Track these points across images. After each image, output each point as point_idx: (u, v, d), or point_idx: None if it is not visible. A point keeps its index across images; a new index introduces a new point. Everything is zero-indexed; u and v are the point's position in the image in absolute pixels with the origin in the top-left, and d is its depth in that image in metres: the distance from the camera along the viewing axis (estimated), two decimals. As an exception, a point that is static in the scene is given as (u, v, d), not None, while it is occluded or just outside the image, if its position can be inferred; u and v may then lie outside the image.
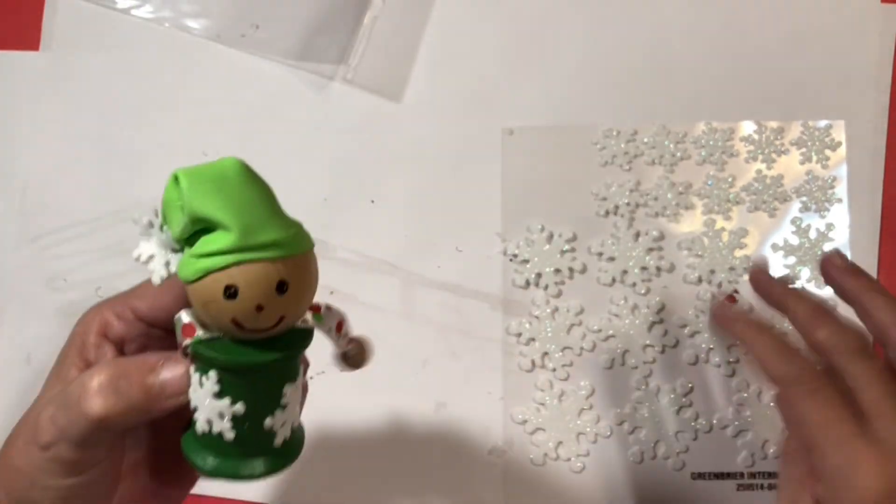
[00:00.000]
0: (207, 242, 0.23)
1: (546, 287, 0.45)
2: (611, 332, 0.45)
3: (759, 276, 0.35)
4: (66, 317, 0.46)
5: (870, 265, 0.45)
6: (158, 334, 0.29)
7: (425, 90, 0.48)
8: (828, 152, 0.46)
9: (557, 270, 0.45)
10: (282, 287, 0.23)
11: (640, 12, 0.48)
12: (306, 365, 0.29)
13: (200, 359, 0.24)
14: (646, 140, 0.46)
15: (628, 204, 0.46)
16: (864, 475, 0.28)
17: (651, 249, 0.45)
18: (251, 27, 0.48)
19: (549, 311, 0.45)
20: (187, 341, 0.24)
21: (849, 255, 0.45)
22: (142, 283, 0.29)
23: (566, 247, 0.46)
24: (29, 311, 0.46)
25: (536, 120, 0.47)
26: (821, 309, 0.33)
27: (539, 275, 0.45)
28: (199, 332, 0.24)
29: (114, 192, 0.47)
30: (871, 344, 0.31)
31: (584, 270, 0.45)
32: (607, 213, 0.46)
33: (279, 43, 0.48)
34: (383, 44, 0.48)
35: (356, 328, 0.29)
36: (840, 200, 0.46)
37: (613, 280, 0.45)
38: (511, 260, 0.46)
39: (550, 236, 0.46)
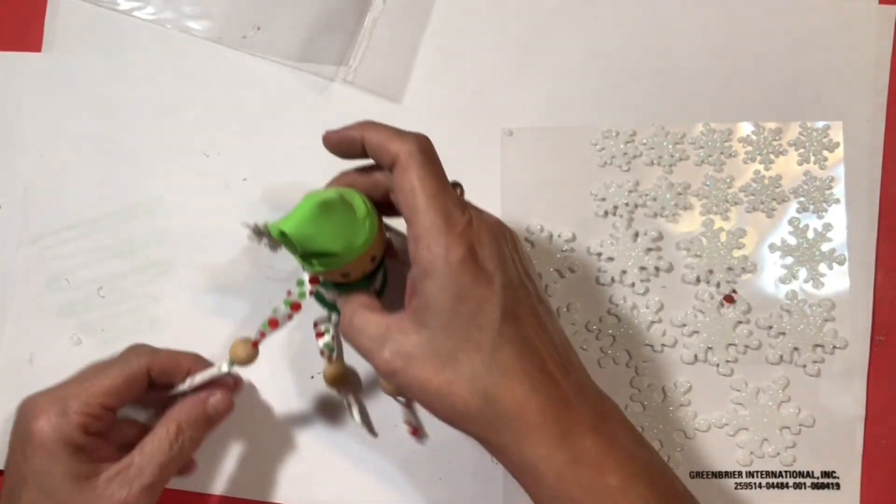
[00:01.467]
0: (320, 260, 0.35)
1: (546, 287, 0.46)
2: (609, 331, 0.45)
3: (330, 133, 0.37)
4: (67, 317, 0.46)
5: (868, 265, 0.45)
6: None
7: (425, 91, 0.48)
8: (826, 153, 0.46)
9: (557, 270, 0.46)
10: (374, 259, 0.36)
11: (640, 14, 0.48)
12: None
13: (324, 286, 0.38)
14: (644, 141, 0.47)
15: (627, 204, 0.46)
16: (451, 238, 0.32)
17: (650, 249, 0.46)
18: (252, 29, 0.48)
19: (548, 310, 0.45)
20: (311, 287, 0.38)
21: (847, 256, 0.45)
22: (94, 376, 0.38)
23: (565, 247, 0.46)
24: (30, 312, 0.47)
25: (536, 120, 0.47)
26: (394, 128, 0.34)
27: (539, 275, 0.46)
28: (321, 281, 0.38)
29: (115, 193, 0.47)
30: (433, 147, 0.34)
31: (583, 270, 0.46)
32: (606, 213, 0.46)
33: (280, 44, 0.48)
34: (384, 45, 0.48)
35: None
36: (838, 201, 0.46)
37: (612, 280, 0.45)
38: (510, 260, 0.46)
39: (550, 237, 0.46)
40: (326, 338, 0.42)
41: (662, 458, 0.34)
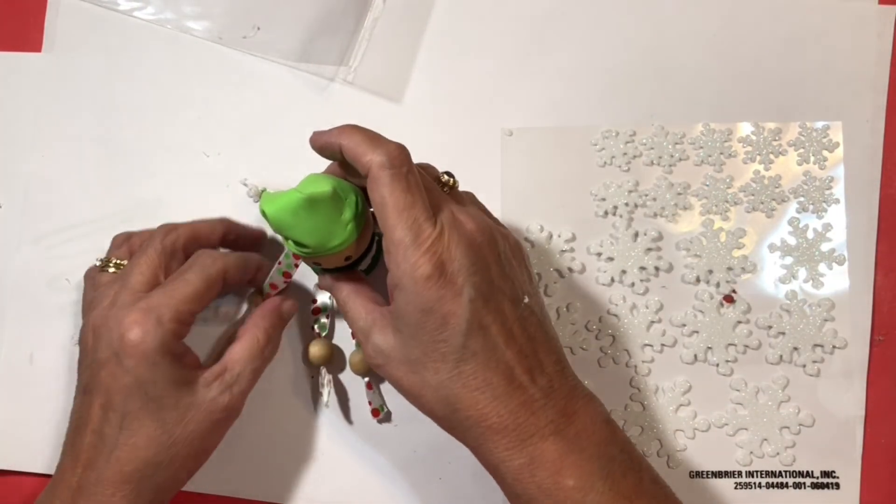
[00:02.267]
0: (295, 243, 0.37)
1: (545, 287, 0.46)
2: (609, 331, 0.45)
3: (315, 136, 0.36)
4: (68, 317, 0.46)
5: (867, 265, 0.45)
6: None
7: (425, 91, 0.48)
8: (825, 153, 0.46)
9: (557, 270, 0.46)
10: (349, 259, 0.37)
11: (639, 14, 0.48)
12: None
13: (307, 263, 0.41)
14: (644, 141, 0.47)
15: (627, 204, 0.46)
16: (418, 255, 0.33)
17: (650, 249, 0.46)
18: (253, 29, 0.48)
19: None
20: (296, 261, 0.42)
21: (846, 256, 0.45)
22: (186, 288, 0.38)
23: (565, 247, 0.46)
24: (31, 312, 0.47)
25: (536, 120, 0.47)
26: (370, 135, 0.34)
27: (539, 275, 0.46)
28: (301, 260, 0.41)
29: (115, 193, 0.47)
30: (410, 157, 0.34)
31: (583, 270, 0.46)
32: (606, 213, 0.46)
33: (280, 44, 0.48)
34: (384, 45, 0.48)
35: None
36: (837, 201, 0.46)
37: (612, 280, 0.45)
38: (510, 260, 0.46)
39: (550, 237, 0.46)
40: (322, 317, 0.45)
41: (637, 454, 0.35)
